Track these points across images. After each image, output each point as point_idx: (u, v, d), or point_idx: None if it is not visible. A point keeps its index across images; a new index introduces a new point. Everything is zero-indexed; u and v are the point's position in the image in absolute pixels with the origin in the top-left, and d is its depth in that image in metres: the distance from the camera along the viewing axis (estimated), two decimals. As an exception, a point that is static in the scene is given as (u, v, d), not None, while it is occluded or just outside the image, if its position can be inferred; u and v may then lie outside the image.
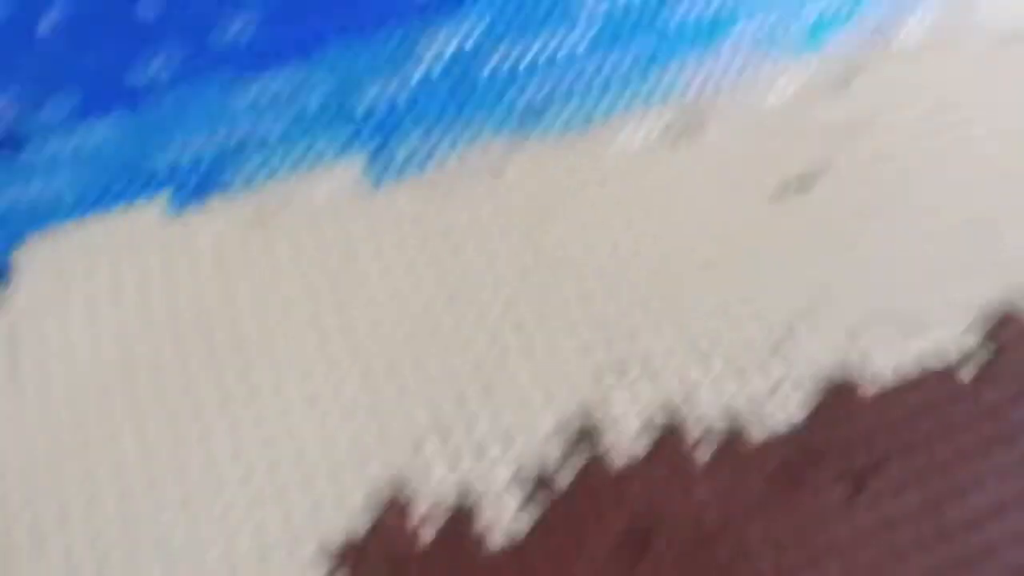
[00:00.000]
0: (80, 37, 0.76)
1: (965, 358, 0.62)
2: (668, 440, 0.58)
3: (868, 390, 0.60)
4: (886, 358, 0.62)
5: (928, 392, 0.60)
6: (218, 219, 0.66)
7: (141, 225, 0.66)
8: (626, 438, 0.58)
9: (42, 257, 0.65)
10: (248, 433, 0.58)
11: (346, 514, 0.55)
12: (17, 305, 0.63)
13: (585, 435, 0.58)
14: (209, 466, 0.57)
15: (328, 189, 0.68)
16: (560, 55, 0.75)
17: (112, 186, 0.69)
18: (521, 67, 0.74)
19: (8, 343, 0.61)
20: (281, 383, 0.59)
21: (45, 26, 0.76)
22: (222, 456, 0.57)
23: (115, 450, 0.57)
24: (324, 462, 0.57)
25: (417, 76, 0.74)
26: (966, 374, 0.61)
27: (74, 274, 0.64)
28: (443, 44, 0.76)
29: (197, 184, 0.68)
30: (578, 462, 0.57)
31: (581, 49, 0.76)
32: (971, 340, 0.62)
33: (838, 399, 0.60)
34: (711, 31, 0.77)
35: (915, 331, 0.62)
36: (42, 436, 0.58)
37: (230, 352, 0.61)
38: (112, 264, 0.64)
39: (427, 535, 0.55)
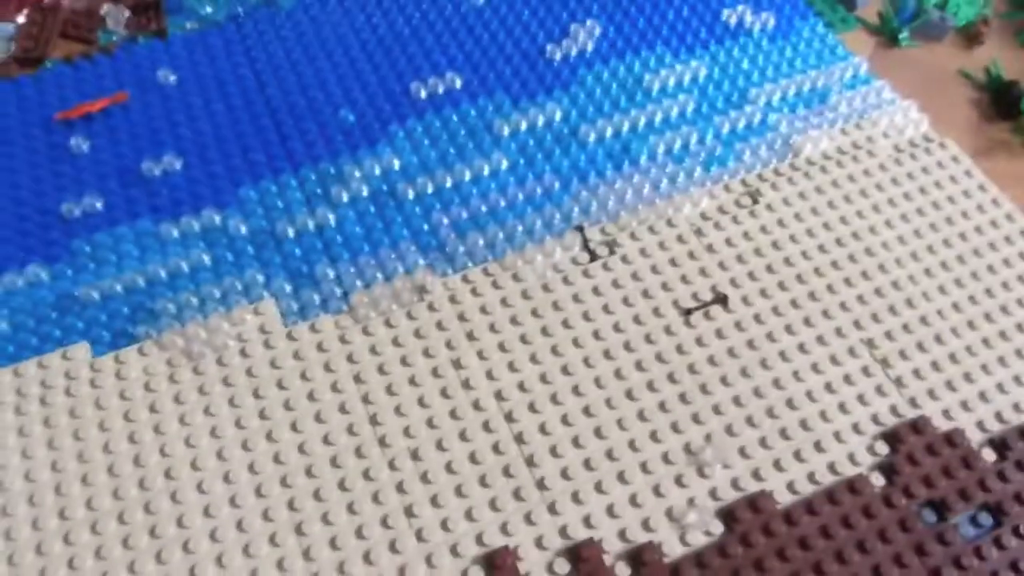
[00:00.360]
0: (14, 178, 0.78)
1: (872, 465, 0.64)
2: (586, 560, 0.59)
3: (782, 501, 0.62)
4: (800, 469, 0.63)
5: (839, 503, 0.62)
6: (146, 358, 0.68)
7: (69, 367, 0.67)
8: (545, 560, 0.59)
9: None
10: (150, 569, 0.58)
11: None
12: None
13: (503, 560, 0.59)
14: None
15: (252, 324, 0.69)
16: (481, 180, 0.78)
17: (43, 328, 0.70)
18: (444, 193, 0.77)
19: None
20: (216, 526, 0.60)
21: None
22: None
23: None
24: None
25: (339, 209, 0.76)
26: (876, 479, 0.63)
27: (5, 416, 0.65)
28: (367, 174, 0.78)
29: (125, 321, 0.70)
30: (498, 588, 0.58)
31: (501, 173, 0.79)
32: (878, 448, 0.65)
33: (753, 512, 0.61)
34: (625, 149, 0.81)
35: (827, 443, 0.65)
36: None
37: (163, 490, 0.61)
38: (44, 405, 0.65)
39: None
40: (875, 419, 0.66)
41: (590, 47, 0.90)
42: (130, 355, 0.68)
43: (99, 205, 0.77)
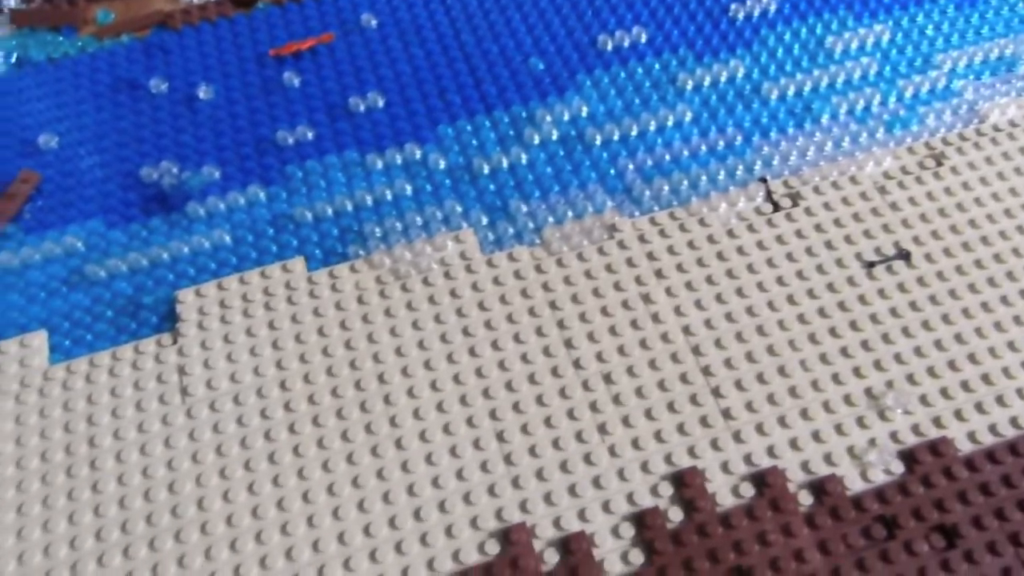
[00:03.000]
0: (233, 108, 0.85)
1: (1055, 421, 0.65)
2: (771, 486, 0.62)
3: (963, 449, 0.64)
4: (982, 421, 0.65)
5: (1022, 454, 0.64)
6: (358, 274, 0.74)
7: (289, 278, 0.74)
8: (730, 483, 0.63)
9: (204, 304, 0.72)
10: (396, 476, 0.64)
11: (480, 539, 0.61)
12: (188, 342, 0.70)
13: (692, 479, 0.63)
14: (357, 503, 0.63)
15: (453, 250, 0.74)
16: (666, 130, 0.82)
17: (261, 242, 0.76)
18: (630, 140, 0.81)
19: (179, 372, 0.69)
20: (425, 427, 0.66)
21: (203, 97, 0.86)
22: (371, 495, 0.63)
23: (273, 467, 0.64)
24: (459, 495, 0.63)
25: (530, 150, 0.81)
26: (1057, 437, 0.65)
27: (234, 318, 0.71)
28: (556, 119, 0.83)
29: (335, 241, 0.76)
30: (686, 503, 0.62)
31: (685, 124, 0.82)
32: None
33: (934, 456, 0.64)
34: (807, 107, 0.83)
35: (1009, 398, 0.66)
36: (210, 448, 0.65)
37: (377, 393, 0.67)
38: (268, 309, 0.72)
39: (552, 559, 0.60)
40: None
41: (773, 8, 0.92)
42: (343, 271, 0.74)
43: (310, 135, 0.83)
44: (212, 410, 0.67)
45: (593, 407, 0.66)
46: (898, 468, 0.63)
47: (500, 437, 0.65)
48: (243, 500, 0.63)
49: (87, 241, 0.78)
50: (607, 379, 0.68)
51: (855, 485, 0.63)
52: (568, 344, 0.69)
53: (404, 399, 0.67)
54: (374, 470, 0.64)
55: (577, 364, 0.68)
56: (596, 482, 0.63)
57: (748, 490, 0.63)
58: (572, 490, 0.63)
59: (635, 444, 0.65)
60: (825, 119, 0.82)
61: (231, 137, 0.84)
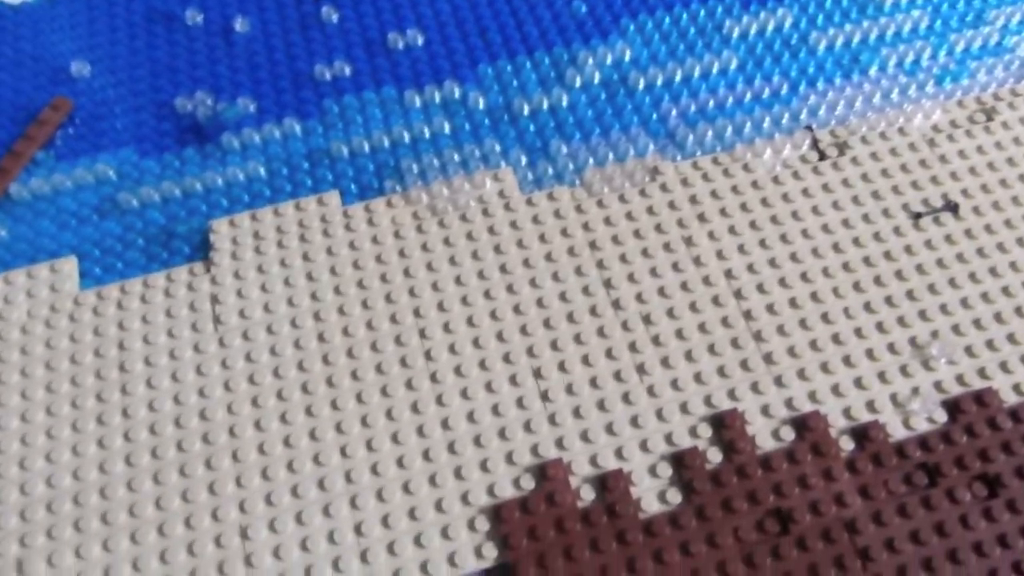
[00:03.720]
0: (270, 41, 0.84)
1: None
2: (812, 430, 0.61)
3: (1008, 400, 0.63)
4: (1024, 372, 0.64)
5: (1067, 405, 0.63)
6: (394, 209, 0.72)
7: (324, 211, 0.72)
8: (771, 426, 0.62)
9: (238, 234, 0.71)
10: (431, 410, 0.63)
11: (515, 474, 0.60)
12: (221, 272, 0.69)
13: (732, 421, 0.62)
14: (391, 435, 0.62)
15: (491, 188, 0.73)
16: (711, 77, 0.80)
17: (296, 176, 0.75)
18: (673, 86, 0.80)
19: (212, 301, 0.68)
20: (461, 362, 0.65)
21: (239, 30, 0.84)
22: (406, 428, 0.62)
23: (306, 398, 0.63)
24: (494, 430, 0.62)
25: (572, 92, 0.79)
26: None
27: (268, 249, 0.70)
28: (599, 62, 0.81)
29: (371, 177, 0.75)
30: (726, 445, 0.61)
31: (730, 72, 0.81)
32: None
33: (978, 406, 0.62)
34: (855, 58, 0.81)
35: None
36: (242, 376, 0.64)
37: (413, 326, 0.66)
38: (303, 241, 0.71)
39: (588, 495, 0.59)
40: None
41: (821, -42, 0.90)
42: (379, 205, 0.73)
43: (347, 70, 0.82)
44: (245, 339, 0.66)
45: (632, 347, 0.65)
46: (941, 417, 0.62)
47: (537, 374, 0.64)
48: (275, 429, 0.63)
49: (119, 170, 0.77)
50: (646, 320, 0.67)
51: (897, 432, 0.62)
52: (607, 284, 0.68)
53: (440, 333, 0.66)
54: (408, 403, 0.63)
55: (616, 304, 0.67)
56: (634, 421, 0.62)
57: (788, 434, 0.62)
58: (609, 428, 0.62)
59: (674, 385, 0.64)
60: (873, 71, 0.81)
61: (267, 70, 0.82)
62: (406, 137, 0.77)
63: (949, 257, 0.69)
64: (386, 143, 0.77)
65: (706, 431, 0.62)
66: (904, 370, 0.64)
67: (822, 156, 0.75)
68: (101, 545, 0.58)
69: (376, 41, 0.84)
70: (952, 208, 0.72)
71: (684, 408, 0.63)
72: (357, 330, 0.66)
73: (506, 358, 0.65)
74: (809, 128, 0.77)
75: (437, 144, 0.77)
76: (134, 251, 0.72)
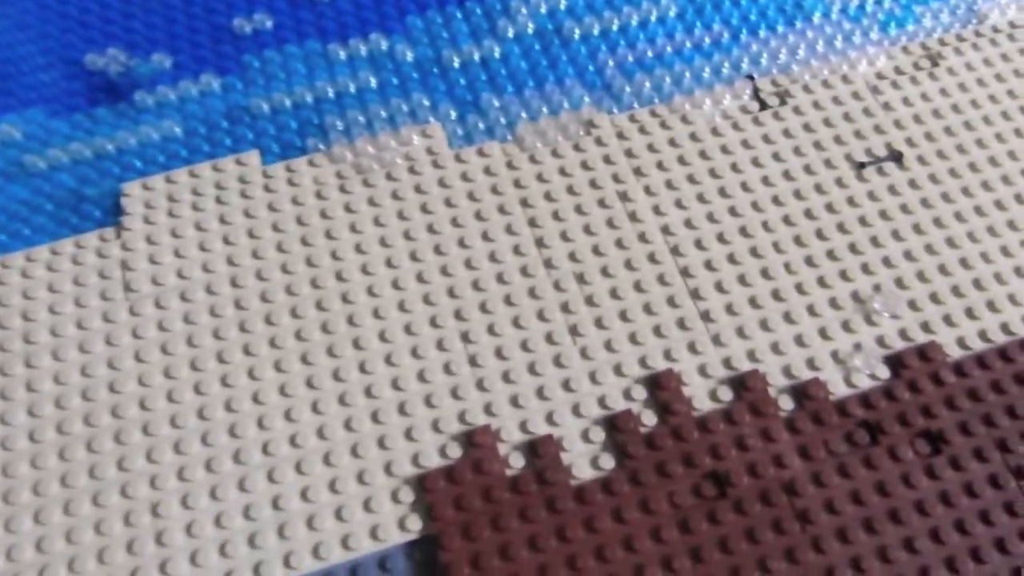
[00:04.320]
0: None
1: (1049, 327, 0.62)
2: (750, 390, 0.59)
3: (952, 354, 0.61)
4: (972, 326, 0.62)
5: (1013, 360, 0.61)
6: (316, 168, 0.69)
7: (243, 172, 0.69)
8: (708, 387, 0.59)
9: (152, 198, 0.67)
10: (353, 377, 0.60)
11: (441, 442, 0.57)
12: (132, 237, 0.65)
13: (667, 382, 0.59)
14: (311, 404, 0.59)
15: (419, 144, 0.70)
16: (649, 25, 0.77)
17: (214, 135, 0.71)
18: (610, 35, 0.76)
19: (123, 267, 0.64)
20: (385, 327, 0.61)
21: (154, -16, 0.80)
22: (327, 397, 0.59)
23: (222, 367, 0.60)
24: (420, 397, 0.59)
25: (504, 43, 0.76)
26: (1049, 344, 0.62)
27: (183, 212, 0.67)
28: (533, 12, 0.77)
29: (294, 135, 0.71)
30: (661, 407, 0.58)
31: (669, 20, 0.77)
32: (1055, 310, 0.63)
33: (922, 361, 0.60)
34: (798, 4, 0.78)
35: (1000, 303, 0.63)
36: (154, 346, 0.60)
37: (335, 290, 0.63)
38: (220, 203, 0.67)
39: (517, 463, 0.56)
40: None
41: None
42: (301, 164, 0.69)
43: (269, 23, 0.77)
44: (158, 307, 0.63)
45: (564, 308, 0.63)
46: (884, 373, 0.60)
47: (465, 338, 0.61)
48: (189, 400, 0.59)
49: (25, 131, 0.72)
50: (580, 279, 0.64)
51: (838, 390, 0.60)
52: (540, 243, 0.65)
53: (363, 297, 0.63)
54: (330, 370, 0.60)
55: (549, 264, 0.64)
56: (566, 385, 0.60)
57: (726, 394, 0.59)
58: (540, 393, 0.59)
59: (608, 346, 0.61)
60: (816, 17, 0.78)
61: (184, 24, 0.78)
62: (331, 92, 0.73)
63: (893, 208, 0.67)
64: (309, 99, 0.73)
65: (641, 393, 0.59)
66: (846, 325, 0.62)
67: (763, 106, 0.72)
68: (2, 526, 0.55)
69: (299, -8, 0.80)
70: (896, 158, 0.69)
71: (618, 370, 0.60)
72: (276, 295, 0.63)
73: (433, 322, 0.62)
74: (750, 77, 0.74)
75: (363, 99, 0.73)
76: (42, 216, 0.68)
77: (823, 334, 0.62)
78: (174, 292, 0.63)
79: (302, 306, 0.62)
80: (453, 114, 0.72)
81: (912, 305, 0.63)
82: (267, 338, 0.61)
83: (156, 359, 0.61)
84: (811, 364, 0.60)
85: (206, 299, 0.63)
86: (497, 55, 0.75)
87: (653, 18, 0.78)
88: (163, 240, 0.66)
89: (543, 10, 0.78)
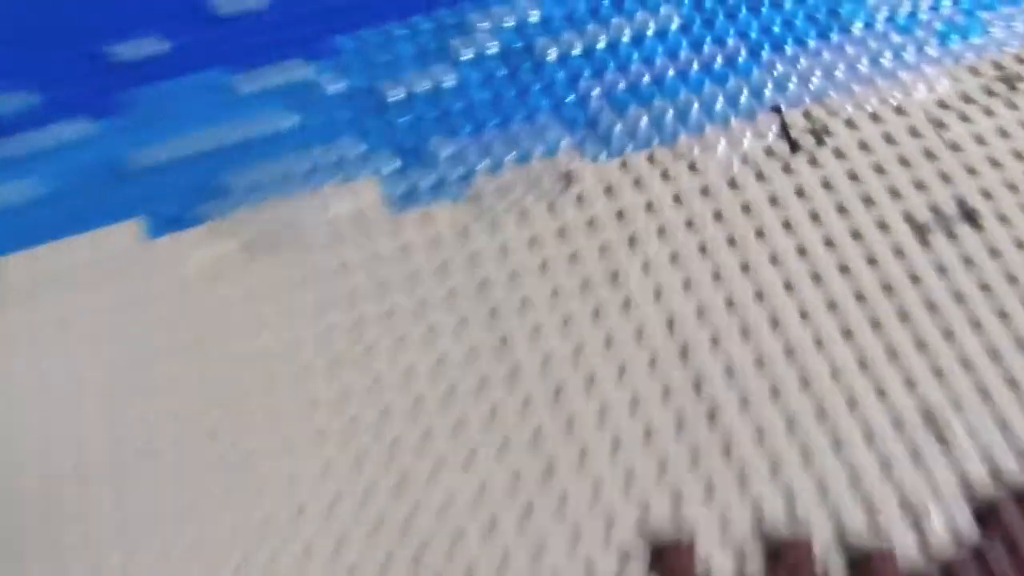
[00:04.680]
0: (51, 10, 0.63)
1: None
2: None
3: None
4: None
5: None
6: (210, 242, 0.53)
7: (118, 247, 0.53)
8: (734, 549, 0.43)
9: (15, 277, 0.52)
10: (237, 498, 0.44)
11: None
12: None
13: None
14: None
15: (346, 208, 0.54)
16: (645, 41, 0.61)
17: (85, 200, 0.55)
18: (595, 55, 0.60)
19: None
20: (292, 433, 0.46)
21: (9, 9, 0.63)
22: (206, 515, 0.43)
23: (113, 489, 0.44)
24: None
25: (460, 69, 0.60)
26: None
27: (47, 297, 0.51)
28: (496, 26, 0.62)
29: (186, 200, 0.55)
30: None
31: (671, 34, 0.61)
32: None
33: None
34: (834, 11, 0.62)
35: None
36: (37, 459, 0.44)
37: (227, 410, 0.47)
38: (91, 288, 0.51)
39: None
40: None
41: None
42: (192, 236, 0.53)
43: (159, 48, 0.61)
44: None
45: (535, 438, 0.46)
46: (969, 528, 0.44)
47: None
48: None
49: None
50: (556, 396, 0.48)
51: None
52: (502, 343, 0.49)
53: (263, 426, 0.47)
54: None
55: (514, 375, 0.48)
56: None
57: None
58: (503, 565, 0.43)
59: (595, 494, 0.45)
60: (857, 27, 0.62)
61: (48, 53, 0.62)
62: (235, 137, 0.57)
63: (968, 286, 0.51)
64: (208, 147, 0.57)
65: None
66: (916, 457, 0.46)
67: (794, 147, 0.56)
68: None
69: (199, 7, 0.63)
70: (970, 215, 0.53)
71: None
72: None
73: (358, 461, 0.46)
74: (776, 109, 0.58)
75: (275, 147, 0.57)
76: None
77: (888, 471, 0.46)
78: None
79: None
80: (392, 165, 0.56)
81: (1003, 424, 0.47)
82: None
83: None
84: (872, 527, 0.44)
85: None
86: (451, 84, 0.59)
87: (650, 32, 0.62)
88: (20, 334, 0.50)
89: (509, 23, 0.62)
